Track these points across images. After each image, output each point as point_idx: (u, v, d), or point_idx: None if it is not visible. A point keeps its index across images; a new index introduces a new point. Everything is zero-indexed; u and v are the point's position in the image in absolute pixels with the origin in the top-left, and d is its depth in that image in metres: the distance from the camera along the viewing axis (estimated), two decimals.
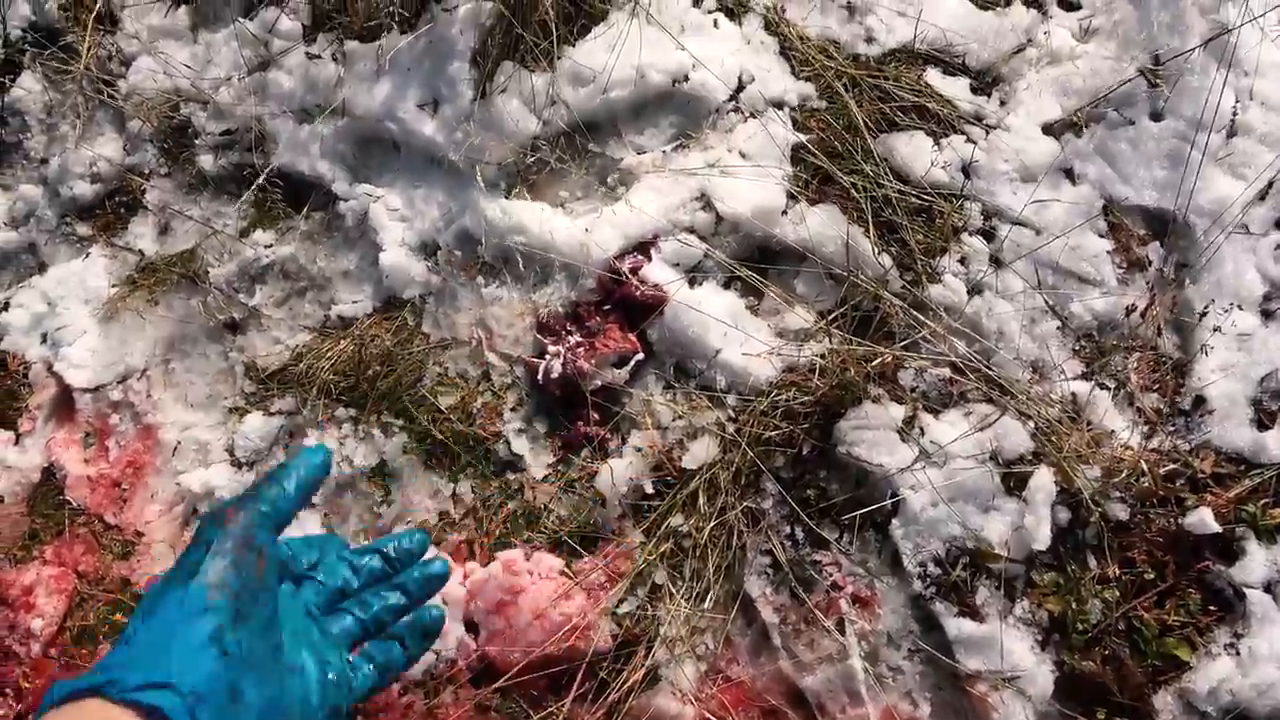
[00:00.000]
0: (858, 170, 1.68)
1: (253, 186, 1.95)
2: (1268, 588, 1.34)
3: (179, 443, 1.78)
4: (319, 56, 2.04)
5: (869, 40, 1.84)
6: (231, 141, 2.06)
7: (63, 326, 1.93)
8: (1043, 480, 1.41)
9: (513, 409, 1.66)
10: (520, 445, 1.63)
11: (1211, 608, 1.36)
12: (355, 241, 1.89)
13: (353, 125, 1.96)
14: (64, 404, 1.87)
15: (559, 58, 1.85)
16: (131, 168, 2.11)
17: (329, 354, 1.73)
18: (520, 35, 1.82)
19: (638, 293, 1.61)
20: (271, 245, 1.92)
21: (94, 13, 2.19)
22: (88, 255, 2.03)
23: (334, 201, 1.92)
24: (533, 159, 1.81)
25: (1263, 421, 1.45)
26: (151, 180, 2.08)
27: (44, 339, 1.94)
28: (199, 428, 1.80)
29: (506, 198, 1.82)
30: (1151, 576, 1.37)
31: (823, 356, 1.50)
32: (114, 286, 1.97)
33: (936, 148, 1.69)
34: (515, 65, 1.85)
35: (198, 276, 1.93)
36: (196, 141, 2.07)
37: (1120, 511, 1.39)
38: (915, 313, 1.51)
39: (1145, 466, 1.38)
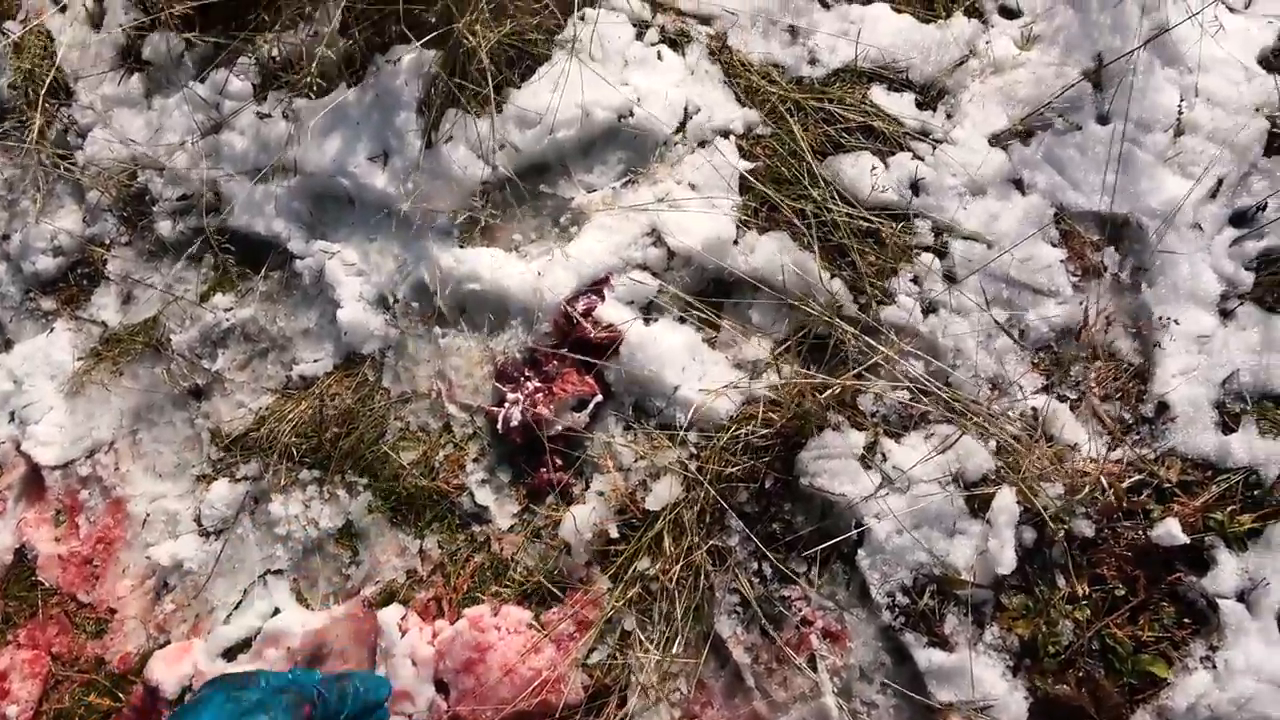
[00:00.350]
0: (805, 195, 1.67)
1: (194, 245, 1.95)
2: (1240, 597, 1.32)
3: (148, 514, 1.78)
4: (269, 115, 2.05)
5: (812, 62, 1.83)
6: (189, 206, 2.06)
7: (29, 404, 1.93)
8: (1005, 501, 1.39)
9: (475, 460, 1.65)
10: (484, 496, 1.62)
11: (1186, 620, 1.33)
12: (314, 299, 1.89)
13: (306, 182, 1.96)
14: (33, 483, 1.87)
15: (505, 101, 1.85)
16: (92, 238, 2.12)
17: (290, 416, 1.73)
18: (463, 83, 1.82)
19: (590, 335, 1.60)
20: (231, 308, 1.92)
21: (45, 87, 2.21)
22: (52, 330, 2.03)
23: (291, 260, 1.92)
24: (483, 204, 1.81)
25: (1227, 425, 1.43)
26: (112, 250, 2.09)
27: (11, 418, 1.95)
28: (168, 498, 1.79)
29: (460, 246, 1.81)
30: (1123, 592, 1.35)
31: (774, 390, 1.48)
32: (79, 360, 1.97)
33: (884, 166, 1.68)
34: (460, 112, 1.85)
35: (160, 344, 1.93)
36: (154, 208, 2.08)
37: (1086, 528, 1.37)
38: (867, 338, 1.49)
39: (1105, 482, 1.35)
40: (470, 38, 1.74)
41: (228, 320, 1.90)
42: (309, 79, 1.91)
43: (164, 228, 2.05)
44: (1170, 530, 1.33)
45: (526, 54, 1.88)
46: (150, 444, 1.86)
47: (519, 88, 1.87)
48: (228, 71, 2.11)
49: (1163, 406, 1.46)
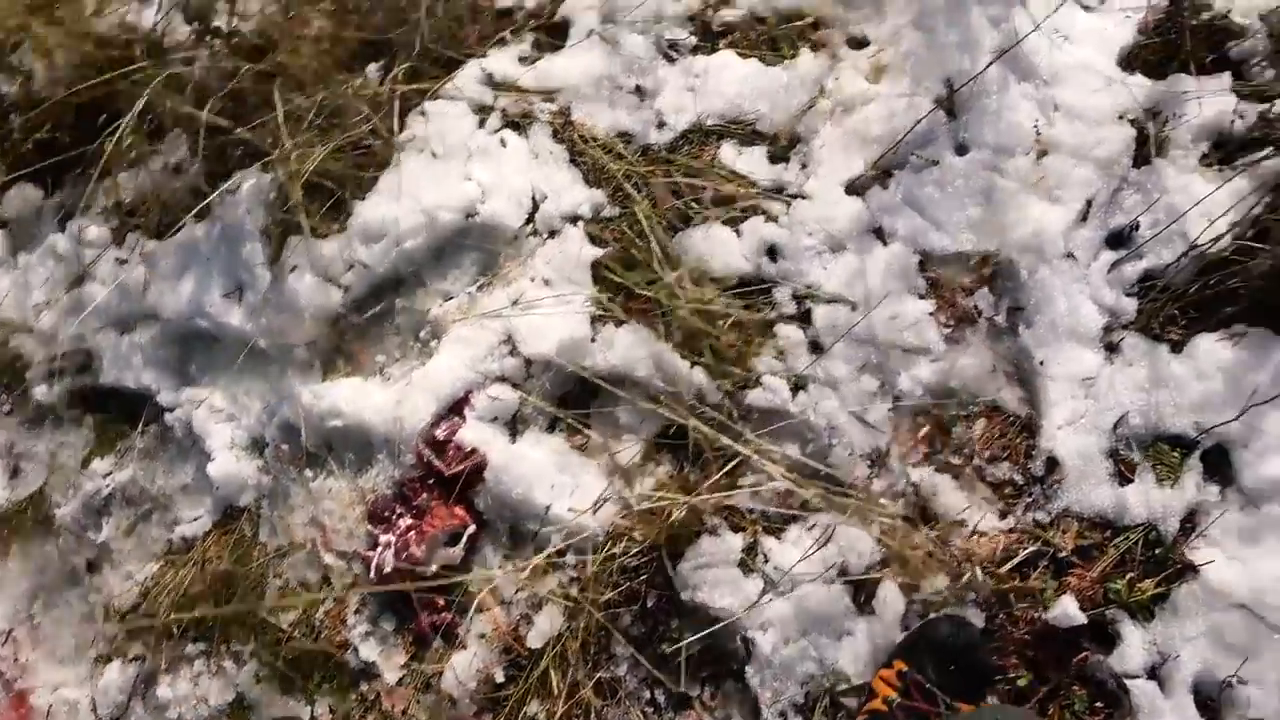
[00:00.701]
0: (655, 280, 1.57)
1: (69, 407, 1.90)
2: (1151, 673, 1.20)
3: (50, 706, 1.72)
4: (126, 260, 1.98)
5: (660, 125, 1.73)
6: (60, 367, 2.00)
7: None
8: (889, 593, 1.29)
9: (357, 611, 1.57)
10: (369, 650, 1.54)
11: (1098, 704, 1.22)
12: (189, 451, 1.82)
13: (166, 327, 1.89)
14: None
15: (349, 216, 1.77)
16: None
17: (170, 589, 1.66)
18: (305, 204, 1.73)
19: (446, 471, 1.52)
20: (111, 472, 1.86)
21: None
22: None
23: (163, 413, 1.85)
24: (339, 331, 1.73)
25: (1123, 475, 1.32)
26: None
27: None
28: (68, 685, 1.73)
29: (323, 377, 1.74)
30: (1028, 681, 1.24)
31: (629, 515, 1.39)
32: None
33: (736, 235, 1.57)
34: (303, 238, 1.77)
35: (48, 519, 1.87)
36: (28, 373, 2.02)
37: (976, 618, 1.27)
38: (724, 437, 1.39)
39: (979, 572, 1.25)
40: (285, 166, 1.66)
41: (108, 486, 1.84)
42: (145, 223, 1.84)
43: (40, 392, 1.99)
44: (1066, 610, 1.22)
45: (363, 168, 1.79)
46: (49, 627, 1.81)
47: (363, 199, 1.78)
48: (82, 219, 2.05)
49: (1053, 462, 1.35)
